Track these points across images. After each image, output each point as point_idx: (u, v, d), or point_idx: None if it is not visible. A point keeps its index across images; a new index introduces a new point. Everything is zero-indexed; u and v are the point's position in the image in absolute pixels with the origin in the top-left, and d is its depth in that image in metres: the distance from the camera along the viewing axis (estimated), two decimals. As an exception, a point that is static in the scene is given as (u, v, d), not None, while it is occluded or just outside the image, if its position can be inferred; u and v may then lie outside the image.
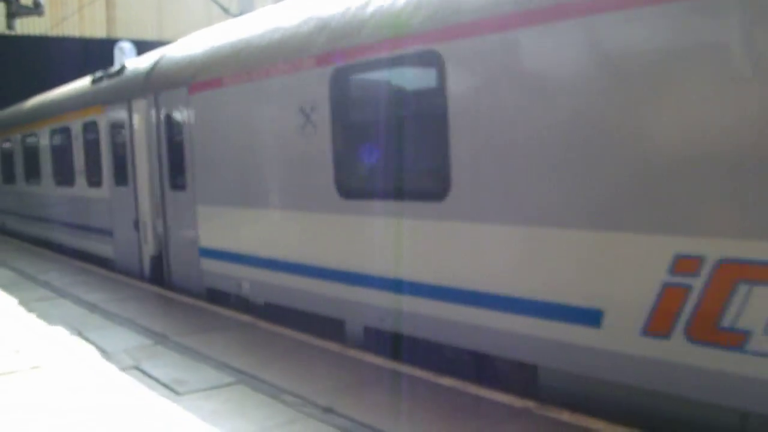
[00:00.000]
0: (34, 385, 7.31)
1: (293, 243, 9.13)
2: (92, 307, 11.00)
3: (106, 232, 15.06)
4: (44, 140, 18.90)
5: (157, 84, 12.39)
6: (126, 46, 26.71)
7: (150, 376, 7.39)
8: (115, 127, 14.13)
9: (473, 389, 6.52)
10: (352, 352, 7.84)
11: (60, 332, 9.44)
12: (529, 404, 6.07)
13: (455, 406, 6.21)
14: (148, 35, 30.20)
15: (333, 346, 8.12)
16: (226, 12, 19.40)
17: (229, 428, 5.94)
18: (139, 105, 12.91)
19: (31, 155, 20.30)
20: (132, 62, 14.75)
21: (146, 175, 12.70)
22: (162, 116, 12.12)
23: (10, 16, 19.98)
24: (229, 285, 10.60)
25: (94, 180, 15.49)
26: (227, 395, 6.74)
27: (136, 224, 13.34)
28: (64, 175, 17.57)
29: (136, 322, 9.87)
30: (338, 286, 8.36)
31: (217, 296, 11.02)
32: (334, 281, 8.41)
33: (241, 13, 17.12)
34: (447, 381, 6.75)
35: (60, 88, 19.34)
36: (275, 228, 9.51)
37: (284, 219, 9.33)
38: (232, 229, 10.47)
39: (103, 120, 14.64)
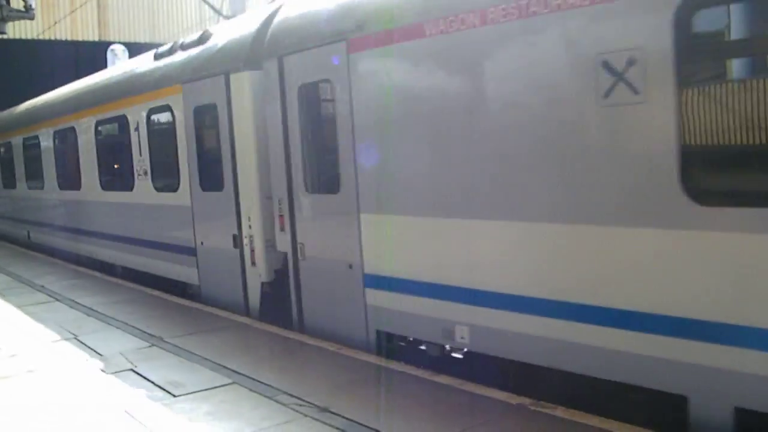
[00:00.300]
0: (30, 389, 7.31)
1: (578, 273, 5.86)
2: (88, 311, 11.00)
3: (184, 251, 11.52)
4: (85, 135, 15.17)
5: (282, 45, 8.77)
6: (118, 49, 26.75)
7: (146, 379, 7.39)
8: (202, 112, 10.67)
9: (469, 387, 6.53)
10: (348, 351, 7.85)
11: (56, 336, 9.44)
12: (525, 401, 6.08)
13: (452, 403, 6.22)
14: (141, 38, 30.17)
15: (328, 345, 8.13)
16: (218, 13, 19.39)
17: (225, 429, 5.96)
18: (245, 78, 9.63)
19: (66, 154, 16.65)
20: (219, 27, 11.50)
21: (255, 175, 9.57)
22: (293, 89, 8.60)
23: (1, 20, 19.95)
24: (426, 330, 7.21)
25: (166, 183, 11.98)
26: (223, 396, 6.74)
27: (237, 240, 10.08)
28: (116, 177, 14.19)
29: (132, 324, 9.87)
30: (675, 343, 5.32)
31: (394, 343, 7.86)
32: (666, 334, 5.37)
33: (233, 15, 17.11)
34: (443, 379, 6.76)
35: (105, 72, 16.24)
36: (537, 250, 6.13)
37: (558, 236, 5.95)
38: (435, 250, 6.98)
39: (181, 103, 11.07)
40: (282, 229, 9.07)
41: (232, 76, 9.85)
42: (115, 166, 14.31)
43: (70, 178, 16.40)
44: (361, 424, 5.82)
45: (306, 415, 6.10)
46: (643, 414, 5.65)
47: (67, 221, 16.95)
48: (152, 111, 12.13)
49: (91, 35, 30.09)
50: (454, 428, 5.68)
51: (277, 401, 6.49)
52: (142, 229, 13.03)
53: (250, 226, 9.75)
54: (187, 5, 31.80)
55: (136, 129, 12.62)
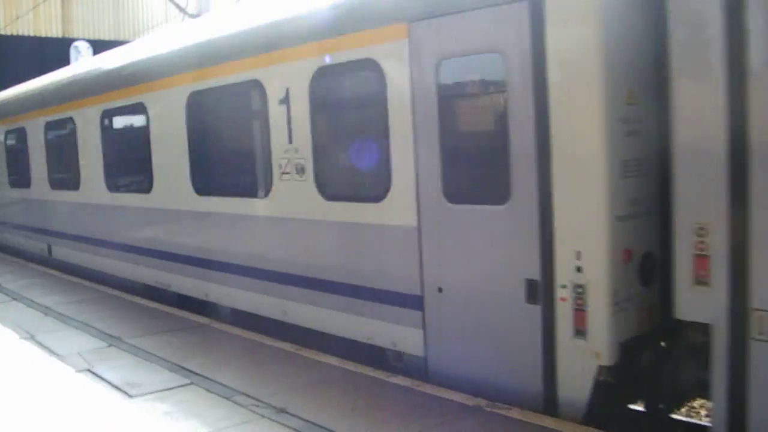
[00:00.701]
0: (-17, 389, 7.22)
1: None
2: (46, 310, 10.85)
3: (393, 299, 7.24)
4: (165, 115, 10.59)
5: None
6: (82, 46, 26.45)
7: (103, 379, 7.33)
8: (459, 68, 6.56)
9: (427, 388, 6.58)
10: (307, 352, 7.85)
11: (12, 336, 9.30)
12: (481, 402, 6.15)
13: (409, 404, 6.26)
14: (105, 35, 29.85)
15: (287, 347, 8.12)
16: (183, 12, 19.28)
17: (181, 429, 5.94)
18: (586, 3, 5.67)
19: (123, 145, 12.31)
20: None
21: (603, 177, 5.67)
22: None
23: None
24: None
25: (354, 186, 7.94)
26: (180, 396, 6.71)
27: (536, 290, 6.09)
28: (225, 177, 9.83)
29: (91, 324, 9.76)
30: None
31: None
32: None
33: (198, 14, 17.03)
34: (400, 380, 6.80)
35: (200, 21, 11.95)
36: None
37: None
38: None
39: (404, 55, 6.84)
40: (702, 280, 5.29)
41: (552, 2, 5.78)
42: (224, 160, 9.94)
43: (130, 178, 12.09)
44: (318, 425, 5.84)
45: (263, 416, 6.10)
46: None
47: (121, 236, 12.25)
48: (325, 71, 7.78)
49: (55, 31, 29.70)
50: (412, 429, 5.73)
51: (234, 402, 6.48)
52: (285, 256, 8.60)
53: (578, 268, 5.80)
54: (153, 2, 31.53)
55: (283, 101, 8.28)
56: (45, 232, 15.61)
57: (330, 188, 7.90)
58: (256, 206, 8.88)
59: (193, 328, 9.36)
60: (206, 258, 9.95)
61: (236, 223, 9.33)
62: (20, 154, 16.24)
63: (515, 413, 5.88)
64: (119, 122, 12.25)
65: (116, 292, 11.99)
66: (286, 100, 8.23)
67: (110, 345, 8.68)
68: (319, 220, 7.97)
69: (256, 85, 8.62)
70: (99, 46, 23.82)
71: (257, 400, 6.49)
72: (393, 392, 6.55)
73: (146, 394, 6.82)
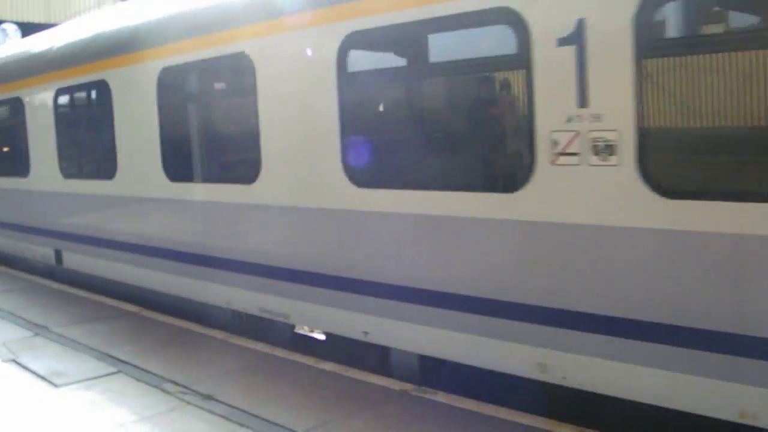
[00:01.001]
0: None
1: None
2: (-29, 300, 10.62)
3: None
4: (292, 68, 6.97)
5: None
6: (10, 28, 25.69)
7: (28, 369, 7.22)
8: None
9: (354, 373, 6.67)
10: (236, 340, 7.86)
11: (-67, 326, 9.10)
12: (407, 386, 6.27)
13: (336, 389, 6.34)
14: (35, 18, 29.04)
15: (217, 334, 8.12)
16: (115, -4, 18.89)
17: (106, 418, 5.90)
18: None
19: (202, 114, 8.63)
20: None
21: None
22: None
23: None
24: None
25: (749, 178, 4.58)
26: (107, 385, 6.67)
27: None
28: (424, 161, 6.44)
29: (17, 314, 9.58)
30: None
31: None
32: None
33: (130, -3, 16.67)
34: (328, 366, 6.87)
35: None
36: None
37: None
38: None
39: None
40: None
41: None
42: (407, 132, 6.67)
43: (213, 162, 8.55)
44: (244, 411, 5.88)
45: (190, 403, 6.11)
46: None
47: (193, 244, 8.49)
48: None
49: (-18, 13, 28.79)
50: (337, 413, 5.81)
51: (162, 390, 6.48)
52: (562, 285, 5.19)
53: None
54: (85, -15, 30.79)
55: (568, 41, 4.98)
56: (52, 233, 11.54)
57: (677, 178, 4.91)
58: (496, 204, 5.56)
59: (122, 315, 9.27)
60: (374, 281, 6.46)
61: (442, 230, 5.88)
62: (13, 134, 12.44)
63: (440, 397, 6.01)
64: (192, 84, 8.63)
65: (45, 282, 11.77)
66: (576, 39, 4.98)
67: (36, 334, 8.54)
68: (648, 228, 4.77)
69: (503, 14, 5.34)
70: (28, 29, 23.18)
71: (185, 387, 6.49)
72: (321, 377, 6.62)
73: (72, 383, 6.76)
